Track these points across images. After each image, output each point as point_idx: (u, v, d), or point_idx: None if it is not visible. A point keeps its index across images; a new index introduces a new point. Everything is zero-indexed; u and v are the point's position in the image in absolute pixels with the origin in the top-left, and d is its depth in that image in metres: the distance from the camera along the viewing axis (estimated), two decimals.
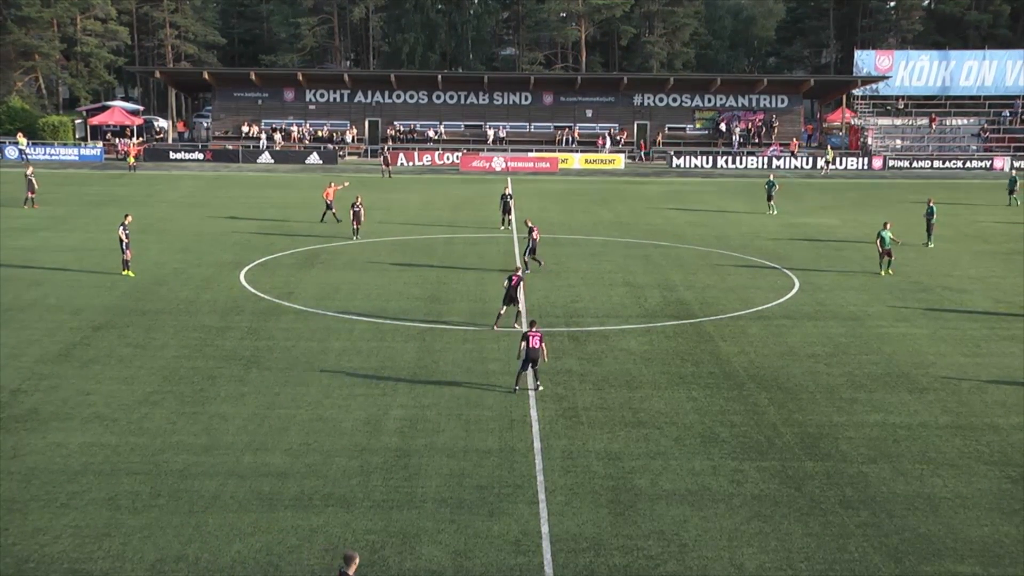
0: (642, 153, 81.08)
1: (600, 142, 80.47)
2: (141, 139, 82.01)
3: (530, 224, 36.09)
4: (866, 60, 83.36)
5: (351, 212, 41.25)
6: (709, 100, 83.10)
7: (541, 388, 22.35)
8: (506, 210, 43.86)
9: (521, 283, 27.86)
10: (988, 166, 77.96)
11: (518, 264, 34.43)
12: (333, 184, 47.80)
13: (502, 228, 39.20)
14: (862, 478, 17.96)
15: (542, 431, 20.05)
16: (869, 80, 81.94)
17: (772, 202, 51.86)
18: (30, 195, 50.32)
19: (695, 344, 26.68)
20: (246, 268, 35.72)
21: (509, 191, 42.02)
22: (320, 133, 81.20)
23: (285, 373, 23.63)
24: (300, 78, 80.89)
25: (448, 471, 17.99)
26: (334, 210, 45.60)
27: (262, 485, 17.28)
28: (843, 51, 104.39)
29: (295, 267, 36.35)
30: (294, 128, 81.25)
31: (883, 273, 34.95)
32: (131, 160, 69.48)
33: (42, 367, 23.75)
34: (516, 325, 27.64)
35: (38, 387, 22.27)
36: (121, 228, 34.18)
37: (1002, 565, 14.98)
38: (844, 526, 16.14)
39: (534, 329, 22.03)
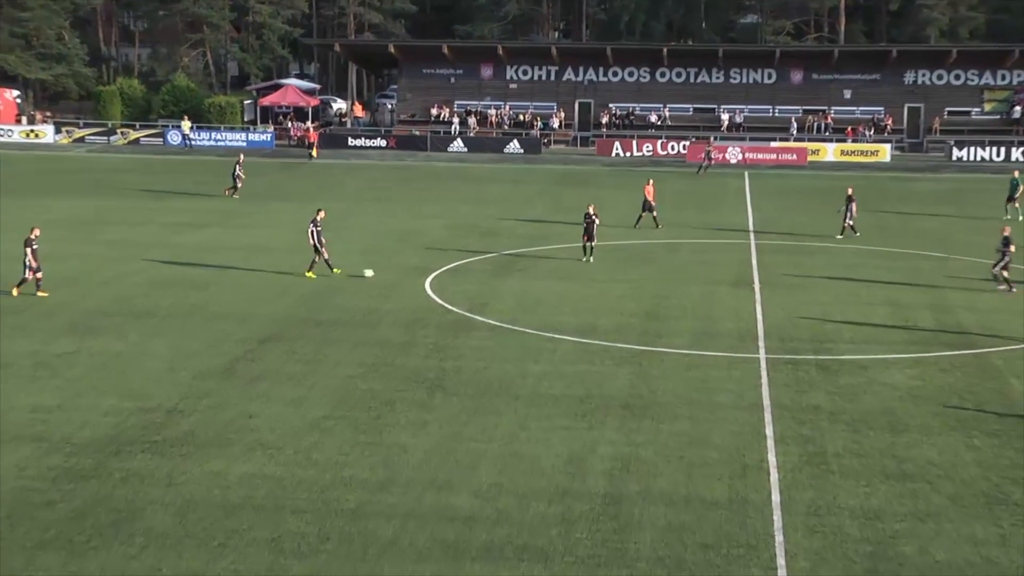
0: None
1: (861, 129, 78.39)
2: (316, 123, 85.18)
3: (592, 210, 38.22)
4: None
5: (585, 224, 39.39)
6: (1003, 77, 79.71)
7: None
8: (588, 234, 38.39)
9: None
10: None
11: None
12: (652, 181, 48.52)
13: (583, 259, 37.86)
14: None
15: (782, 480, 19.62)
16: None
17: (1016, 204, 50.08)
18: (238, 184, 54.67)
19: (978, 380, 25.59)
20: (433, 274, 36.54)
21: (593, 210, 38.23)
22: (522, 117, 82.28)
23: (475, 399, 23.97)
24: (500, 52, 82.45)
25: (666, 524, 17.82)
26: (655, 213, 46.49)
27: (446, 531, 17.54)
28: None
29: (490, 274, 36.93)
30: (492, 111, 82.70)
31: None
32: (314, 152, 72.39)
33: (202, 384, 24.92)
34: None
35: (196, 407, 23.37)
36: (312, 225, 35.83)
37: None
38: None
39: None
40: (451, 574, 16.20)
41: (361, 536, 17.32)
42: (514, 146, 77.72)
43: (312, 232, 35.69)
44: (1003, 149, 74.83)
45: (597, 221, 37.98)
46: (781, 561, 16.62)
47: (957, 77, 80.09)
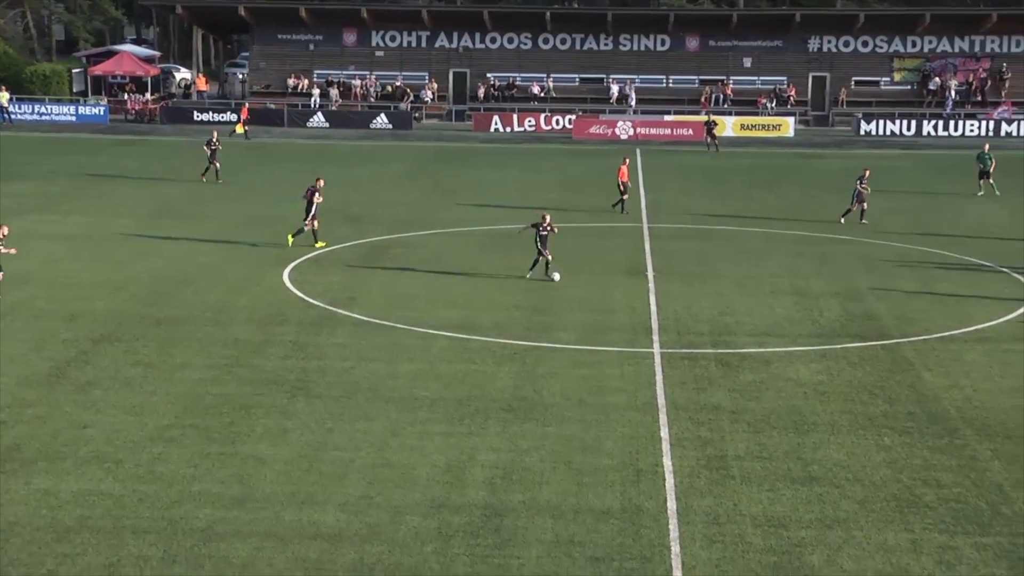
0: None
1: (762, 101, 79.80)
2: (156, 95, 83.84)
3: (548, 220, 35.01)
4: None
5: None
6: (914, 44, 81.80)
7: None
8: (542, 243, 35.04)
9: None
10: None
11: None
12: (628, 160, 48.57)
13: (528, 275, 34.55)
14: None
15: (679, 486, 19.94)
16: None
17: (989, 180, 51.46)
18: (215, 165, 53.12)
19: (889, 374, 26.28)
20: (292, 265, 36.34)
21: (548, 220, 34.98)
22: (390, 88, 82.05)
23: (341, 403, 23.93)
24: (365, 15, 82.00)
25: (553, 537, 18.00)
26: (626, 197, 46.70)
27: (309, 550, 17.51)
28: None
29: (357, 264, 36.86)
30: (356, 81, 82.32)
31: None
32: (240, 127, 71.22)
33: (26, 391, 24.44)
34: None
35: (21, 417, 22.93)
36: (315, 195, 38.68)
37: None
38: None
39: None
40: None
41: (213, 558, 17.19)
42: (381, 121, 77.55)
43: (316, 200, 38.58)
44: (914, 122, 76.87)
45: (554, 230, 34.95)
46: (678, 574, 16.89)
47: (865, 44, 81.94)
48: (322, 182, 39.77)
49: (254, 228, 42.25)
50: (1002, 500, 19.64)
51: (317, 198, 38.83)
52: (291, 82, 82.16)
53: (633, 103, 79.43)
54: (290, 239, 38.61)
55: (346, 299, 32.24)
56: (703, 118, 72.85)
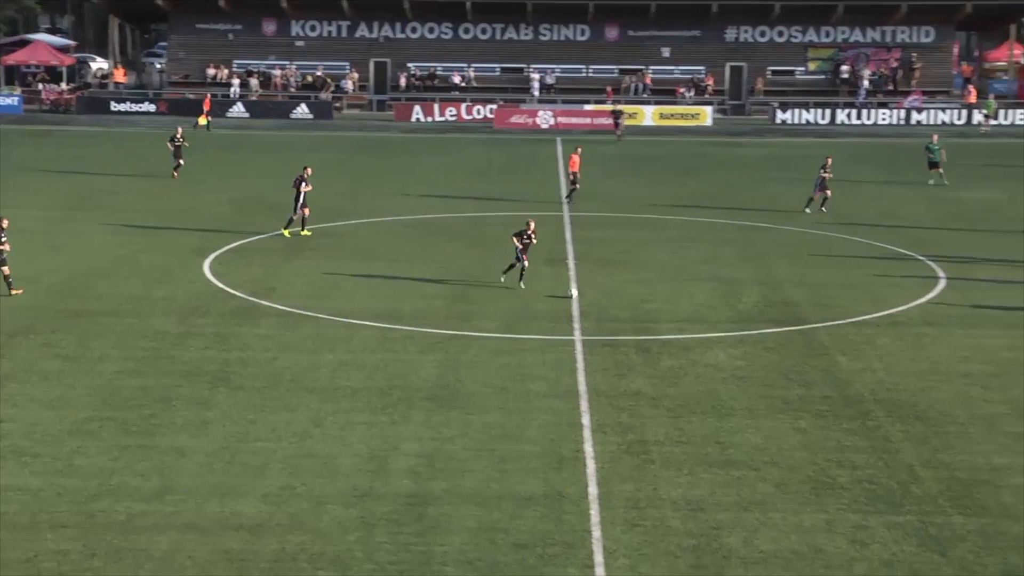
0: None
1: (680, 91, 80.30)
2: (72, 85, 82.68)
3: (532, 227, 32.76)
4: None
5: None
6: (828, 34, 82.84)
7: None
8: (523, 250, 32.68)
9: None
10: None
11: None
12: (580, 149, 48.39)
13: (502, 279, 32.68)
14: None
15: (600, 472, 20.06)
16: None
17: (939, 170, 51.67)
18: (180, 162, 51.77)
19: (805, 358, 26.59)
20: (213, 256, 36.05)
21: (533, 228, 32.62)
22: (311, 79, 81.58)
23: (263, 394, 23.80)
24: (284, 4, 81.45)
25: (476, 524, 18.05)
26: (577, 186, 46.56)
27: (230, 541, 17.42)
28: None
29: (278, 255, 36.65)
30: (276, 71, 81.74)
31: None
32: (203, 119, 70.35)
33: None
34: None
35: None
36: (303, 184, 38.57)
37: None
38: None
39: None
40: None
41: (132, 551, 17.04)
42: (302, 111, 77.21)
43: (303, 190, 38.55)
44: (828, 111, 77.82)
45: (535, 241, 32.84)
46: (599, 559, 17.00)
47: (780, 34, 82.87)
48: (310, 170, 39.75)
49: (173, 219, 41.88)
50: (912, 480, 19.97)
51: (304, 187, 38.79)
52: (210, 72, 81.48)
53: (536, 92, 79.53)
54: (285, 232, 38.91)
55: (267, 290, 32.05)
56: (611, 107, 73.26)
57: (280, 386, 24.29)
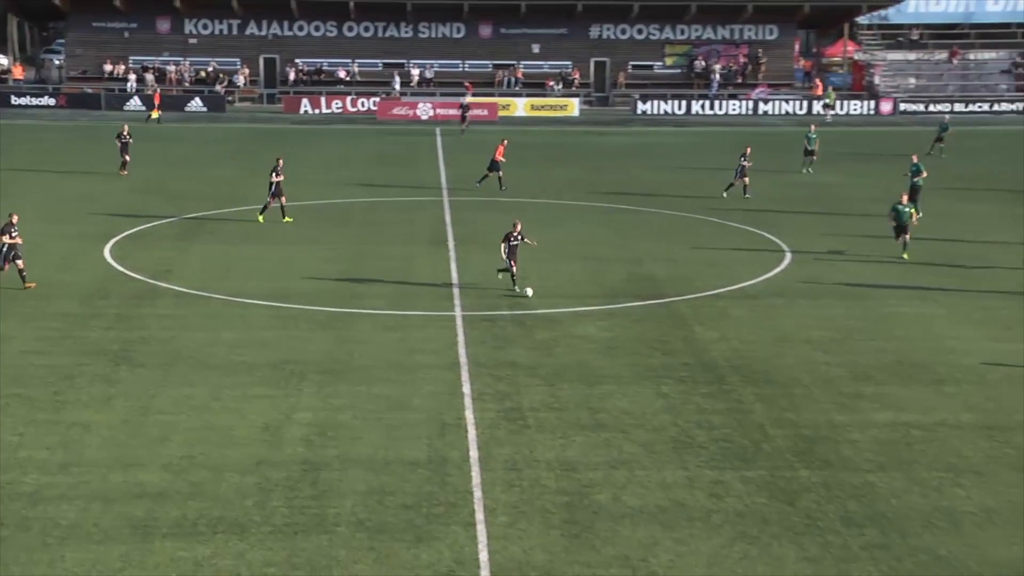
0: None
1: (549, 84, 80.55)
2: None
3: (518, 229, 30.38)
4: None
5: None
6: (682, 32, 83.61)
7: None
8: (511, 253, 29.97)
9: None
10: (1021, 109, 79.26)
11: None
12: (506, 141, 47.73)
13: (505, 280, 30.20)
14: (868, 489, 18.26)
15: (480, 437, 20.11)
16: (877, 5, 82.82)
17: (813, 158, 51.66)
18: (125, 158, 48.79)
19: (667, 329, 26.90)
20: (113, 241, 35.35)
21: (519, 230, 29.89)
22: (204, 74, 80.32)
23: (163, 371, 23.45)
24: (178, 3, 79.88)
25: (366, 488, 17.99)
26: (501, 173, 45.82)
27: (134, 509, 17.15)
28: None
29: (176, 239, 36.04)
30: (171, 67, 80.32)
31: (904, 256, 33.83)
32: (155, 113, 68.33)
33: None
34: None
35: None
36: (274, 174, 37.97)
37: None
38: (847, 548, 16.40)
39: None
40: (141, 553, 15.86)
41: (40, 521, 16.70)
42: (197, 104, 75.87)
43: (274, 179, 37.99)
44: (684, 102, 78.76)
45: (523, 241, 30.25)
46: (480, 516, 17.07)
47: (640, 32, 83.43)
48: (282, 162, 39.03)
49: (74, 206, 40.97)
50: (763, 438, 20.34)
51: (274, 177, 38.24)
52: (107, 67, 79.66)
53: (398, 87, 79.16)
54: (260, 218, 38.52)
55: (166, 272, 31.52)
56: (476, 99, 73.29)
57: (180, 363, 23.94)
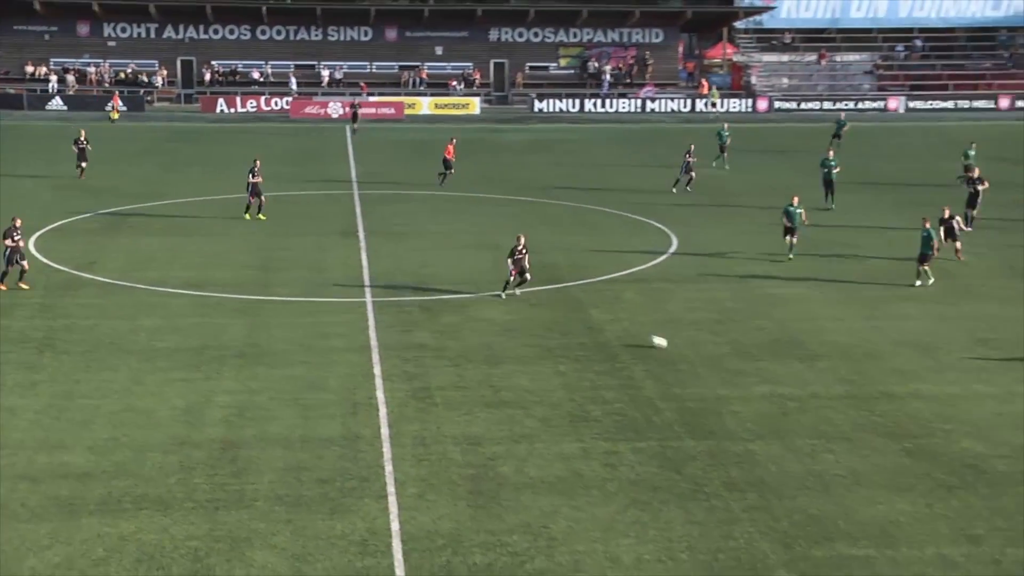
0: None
1: (452, 84, 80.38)
2: None
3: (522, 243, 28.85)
4: None
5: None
6: (575, 35, 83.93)
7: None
8: (519, 268, 28.33)
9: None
10: (883, 107, 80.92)
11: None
12: (455, 140, 47.11)
13: (504, 294, 28.44)
14: (749, 457, 18.56)
15: (391, 415, 20.08)
16: (752, 11, 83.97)
17: (724, 154, 51.20)
18: (82, 165, 45.97)
19: (564, 312, 27.05)
20: (37, 234, 34.57)
21: (523, 243, 28.30)
22: (123, 75, 78.85)
23: (86, 357, 23.04)
24: (96, 8, 78.30)
25: (283, 464, 17.87)
26: (451, 171, 45.24)
27: (60, 489, 16.84)
28: None
29: (98, 232, 35.39)
30: (91, 68, 78.72)
31: (790, 257, 32.65)
32: (115, 114, 66.49)
33: None
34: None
35: None
36: (251, 175, 37.47)
37: (897, 546, 15.71)
38: (729, 511, 16.66)
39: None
40: (68, 531, 15.59)
41: None
42: (117, 104, 74.34)
43: (251, 179, 37.51)
44: (578, 101, 79.10)
45: (526, 255, 28.28)
46: (392, 489, 17.05)
47: (536, 35, 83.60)
48: (259, 162, 38.38)
49: None
50: (653, 412, 20.56)
51: (251, 178, 37.72)
52: (28, 69, 77.79)
53: (294, 86, 78.39)
54: (246, 215, 37.95)
55: (88, 264, 30.94)
56: (383, 99, 72.79)
57: (102, 349, 23.54)
